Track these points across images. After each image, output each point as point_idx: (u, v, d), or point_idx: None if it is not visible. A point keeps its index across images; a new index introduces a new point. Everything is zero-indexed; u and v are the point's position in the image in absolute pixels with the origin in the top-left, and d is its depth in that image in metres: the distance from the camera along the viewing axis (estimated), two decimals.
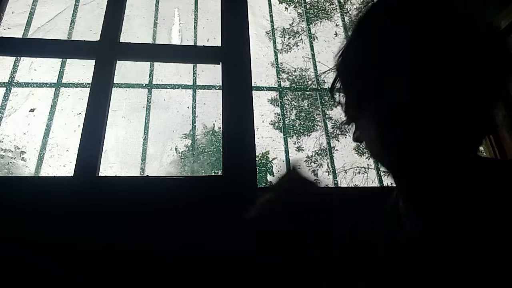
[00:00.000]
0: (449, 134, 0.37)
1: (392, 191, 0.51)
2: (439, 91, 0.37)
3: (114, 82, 1.16)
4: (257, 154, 1.06)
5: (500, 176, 0.39)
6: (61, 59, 1.37)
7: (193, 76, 1.49)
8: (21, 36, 1.39)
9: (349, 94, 0.48)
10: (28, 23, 1.44)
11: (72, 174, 0.98)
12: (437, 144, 0.37)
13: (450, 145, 0.38)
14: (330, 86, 0.51)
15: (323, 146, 3.96)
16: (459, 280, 0.35)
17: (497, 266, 0.33)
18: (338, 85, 0.50)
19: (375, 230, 0.49)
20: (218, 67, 1.21)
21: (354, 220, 0.55)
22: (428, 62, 0.37)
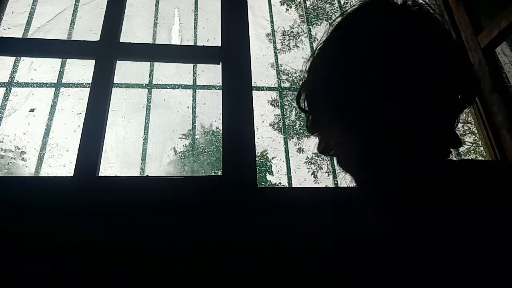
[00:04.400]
0: (424, 138, 0.40)
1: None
2: (415, 100, 0.39)
3: (114, 82, 1.16)
4: (256, 153, 1.06)
5: (472, 177, 0.40)
6: (61, 59, 1.37)
7: (193, 76, 1.49)
8: (21, 36, 1.39)
9: (320, 107, 0.49)
10: (28, 23, 1.44)
11: (72, 174, 0.98)
12: (412, 148, 0.40)
13: (424, 148, 0.40)
14: (296, 96, 0.51)
15: None
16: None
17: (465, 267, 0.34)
18: (303, 97, 0.50)
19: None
20: (218, 67, 1.21)
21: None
22: (405, 72, 0.39)
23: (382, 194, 0.45)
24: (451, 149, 0.42)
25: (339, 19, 0.47)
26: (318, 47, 0.48)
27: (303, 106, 0.50)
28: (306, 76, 0.50)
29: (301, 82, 0.51)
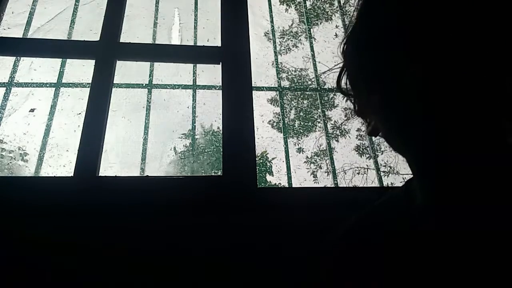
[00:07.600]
0: (486, 118, 0.31)
1: (394, 190, 0.49)
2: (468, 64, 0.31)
3: (114, 82, 1.16)
4: (256, 154, 1.06)
5: None
6: (61, 59, 1.37)
7: (193, 76, 1.49)
8: (21, 36, 1.40)
9: (359, 81, 0.45)
10: (28, 23, 1.44)
11: (72, 174, 0.98)
12: (473, 130, 0.31)
13: (487, 131, 0.32)
14: (336, 78, 0.48)
15: (323, 147, 3.96)
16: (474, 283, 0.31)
17: None
18: (344, 78, 0.48)
19: (383, 229, 0.45)
20: (218, 67, 1.21)
21: (357, 218, 0.53)
22: (455, 32, 0.32)
23: (424, 182, 0.39)
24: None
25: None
26: (348, 30, 0.46)
27: (344, 90, 0.48)
28: (342, 59, 0.48)
29: (340, 65, 0.49)
